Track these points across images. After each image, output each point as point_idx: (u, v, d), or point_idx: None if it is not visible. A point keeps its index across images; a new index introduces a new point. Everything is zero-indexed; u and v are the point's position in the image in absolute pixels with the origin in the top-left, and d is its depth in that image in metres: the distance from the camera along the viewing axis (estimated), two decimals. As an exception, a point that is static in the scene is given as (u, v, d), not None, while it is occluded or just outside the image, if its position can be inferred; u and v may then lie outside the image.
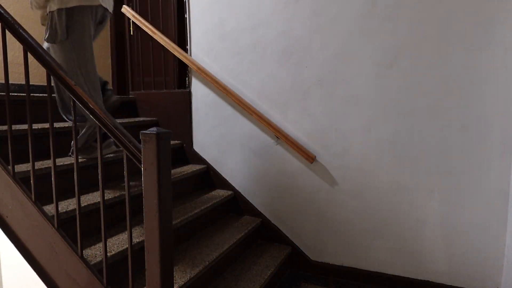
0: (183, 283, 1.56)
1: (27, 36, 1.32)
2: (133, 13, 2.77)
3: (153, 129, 1.07)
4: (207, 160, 2.63)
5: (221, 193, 2.48)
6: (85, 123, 1.90)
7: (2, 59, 1.47)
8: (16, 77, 2.62)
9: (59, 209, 1.50)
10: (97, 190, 1.84)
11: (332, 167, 2.19)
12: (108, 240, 1.61)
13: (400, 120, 2.00)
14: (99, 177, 1.25)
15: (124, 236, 1.66)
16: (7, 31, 1.38)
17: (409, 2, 1.92)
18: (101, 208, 1.28)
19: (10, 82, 1.48)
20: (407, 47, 1.94)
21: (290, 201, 2.34)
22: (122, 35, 3.39)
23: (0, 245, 2.40)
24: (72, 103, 1.28)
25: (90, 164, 1.90)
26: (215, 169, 2.60)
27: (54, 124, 1.44)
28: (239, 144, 2.48)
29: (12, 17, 1.35)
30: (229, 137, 2.52)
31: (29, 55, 1.35)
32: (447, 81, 1.88)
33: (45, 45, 1.84)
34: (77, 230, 1.32)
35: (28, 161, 1.62)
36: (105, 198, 1.70)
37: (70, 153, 1.98)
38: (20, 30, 1.33)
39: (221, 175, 2.58)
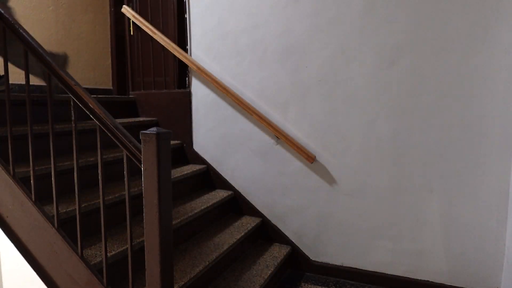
0: (183, 283, 1.56)
1: (27, 36, 1.32)
2: (133, 13, 2.77)
3: (153, 129, 1.07)
4: (207, 160, 2.63)
5: (221, 193, 2.48)
6: None
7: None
8: (16, 77, 2.63)
9: (59, 209, 1.50)
10: (97, 190, 1.84)
11: (332, 167, 2.19)
12: (108, 240, 1.61)
13: (400, 120, 2.00)
14: (99, 177, 1.26)
15: (124, 236, 1.66)
16: (7, 31, 1.38)
17: (409, 2, 1.92)
18: (101, 208, 1.28)
19: (10, 82, 1.48)
20: (407, 47, 1.94)
21: (290, 201, 2.34)
22: (122, 35, 3.39)
23: (0, 245, 2.40)
24: (72, 103, 1.28)
25: (90, 164, 1.90)
26: (215, 169, 2.60)
27: (54, 124, 1.44)
28: (239, 144, 2.48)
29: (12, 17, 1.35)
30: (229, 137, 2.52)
31: (29, 55, 1.35)
32: (447, 81, 1.88)
33: None
34: (77, 230, 1.32)
35: (28, 161, 1.62)
36: (105, 198, 1.70)
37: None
38: (20, 30, 1.33)
39: (221, 175, 2.58)
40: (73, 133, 1.30)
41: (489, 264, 1.87)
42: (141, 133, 1.09)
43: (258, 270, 2.01)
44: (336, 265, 2.24)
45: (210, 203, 2.23)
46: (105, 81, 3.45)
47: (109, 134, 1.20)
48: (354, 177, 2.14)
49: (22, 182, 1.47)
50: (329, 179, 2.21)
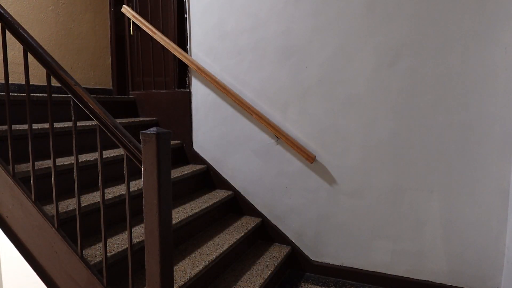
0: (183, 283, 1.56)
1: (27, 36, 1.32)
2: (133, 13, 2.77)
3: (153, 129, 1.07)
4: (207, 160, 2.63)
5: (221, 193, 2.48)
6: None
7: (2, 59, 1.47)
8: (16, 77, 2.63)
9: (59, 209, 1.50)
10: (97, 190, 1.84)
11: (332, 167, 2.19)
12: (108, 240, 1.61)
13: (400, 120, 2.00)
14: (99, 177, 1.26)
15: (124, 236, 1.66)
16: (7, 31, 1.38)
17: (409, 2, 1.92)
18: (101, 208, 1.28)
19: (10, 82, 1.48)
20: (407, 46, 1.94)
21: (290, 201, 2.34)
22: (122, 35, 3.39)
23: (0, 245, 2.40)
24: (72, 103, 1.28)
25: (90, 164, 1.90)
26: (215, 169, 2.60)
27: (54, 124, 1.44)
28: (239, 144, 2.48)
29: (12, 17, 1.35)
30: (229, 137, 2.52)
31: (29, 55, 1.35)
32: (447, 80, 1.88)
33: None
34: (77, 230, 1.32)
35: (28, 161, 1.62)
36: (105, 198, 1.71)
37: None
38: (20, 30, 1.33)
39: (221, 175, 2.58)
40: (73, 133, 1.30)
41: (489, 264, 1.87)
42: (141, 133, 1.09)
43: (258, 270, 2.01)
44: (336, 265, 2.24)
45: (210, 203, 2.23)
46: (105, 81, 3.45)
47: (109, 134, 1.20)
48: (354, 177, 2.14)
49: (22, 182, 1.47)
50: (329, 179, 2.21)
